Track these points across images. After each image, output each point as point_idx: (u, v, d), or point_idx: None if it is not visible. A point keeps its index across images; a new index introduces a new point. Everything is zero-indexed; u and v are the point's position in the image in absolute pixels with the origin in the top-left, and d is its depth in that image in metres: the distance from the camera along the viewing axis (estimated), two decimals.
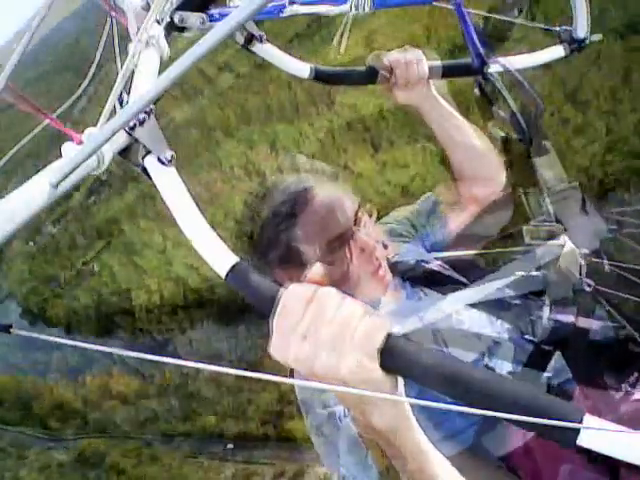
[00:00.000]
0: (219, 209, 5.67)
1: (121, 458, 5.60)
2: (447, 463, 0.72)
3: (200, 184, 6.04)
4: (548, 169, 1.19)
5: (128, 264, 6.43)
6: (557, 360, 1.16)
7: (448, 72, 1.33)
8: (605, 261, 1.11)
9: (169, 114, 7.57)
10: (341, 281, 1.16)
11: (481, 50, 1.24)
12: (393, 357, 0.60)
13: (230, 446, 5.09)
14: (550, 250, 1.13)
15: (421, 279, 1.32)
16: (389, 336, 0.60)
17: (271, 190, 1.23)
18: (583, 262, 1.10)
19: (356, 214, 1.20)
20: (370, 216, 1.25)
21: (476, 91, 1.28)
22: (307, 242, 1.16)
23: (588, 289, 1.11)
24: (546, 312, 1.14)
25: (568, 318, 1.12)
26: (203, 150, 6.66)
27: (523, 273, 1.11)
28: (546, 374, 1.14)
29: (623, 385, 1.09)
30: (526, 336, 1.19)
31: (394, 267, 1.28)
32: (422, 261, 1.35)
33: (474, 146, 1.42)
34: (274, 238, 1.18)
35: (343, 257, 1.16)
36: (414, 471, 0.67)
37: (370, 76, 1.35)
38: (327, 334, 0.59)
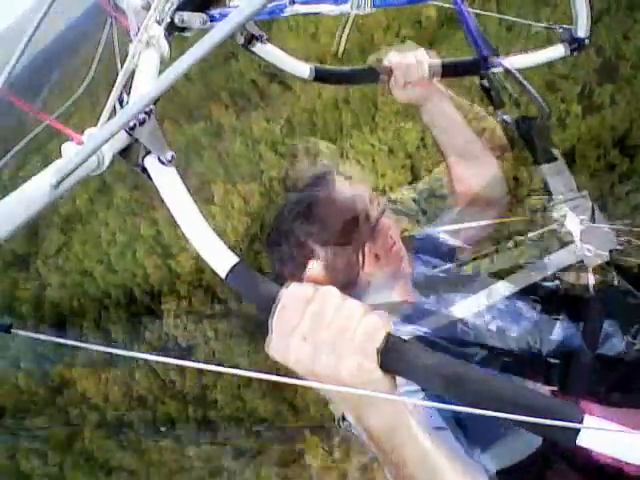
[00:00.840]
0: (256, 221, 5.70)
1: (88, 444, 5.67)
2: (452, 457, 0.71)
3: (239, 195, 6.08)
4: (557, 176, 1.17)
5: (163, 267, 6.46)
6: (562, 322, 1.18)
7: (448, 71, 1.33)
8: (615, 275, 1.10)
9: (217, 120, 7.65)
10: (356, 263, 1.14)
11: (483, 49, 1.23)
12: (392, 358, 0.60)
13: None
14: (552, 220, 1.14)
15: (431, 252, 1.35)
16: (389, 336, 0.60)
17: (287, 180, 1.24)
18: (583, 228, 1.10)
19: (370, 196, 1.20)
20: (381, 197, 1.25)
21: (481, 83, 1.27)
22: (325, 224, 1.14)
23: (588, 254, 1.11)
24: (547, 259, 1.15)
25: (570, 278, 1.12)
26: (246, 161, 6.72)
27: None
28: (554, 337, 1.15)
29: (625, 337, 1.10)
30: (532, 299, 1.20)
31: (405, 241, 1.28)
32: (431, 235, 1.39)
33: (474, 153, 1.41)
34: (290, 225, 1.16)
35: (359, 237, 1.14)
36: (413, 473, 0.67)
37: (370, 76, 1.35)
38: (327, 335, 0.59)
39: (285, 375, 0.61)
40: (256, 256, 4.88)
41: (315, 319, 0.60)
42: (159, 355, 0.59)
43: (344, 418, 1.04)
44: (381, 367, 0.60)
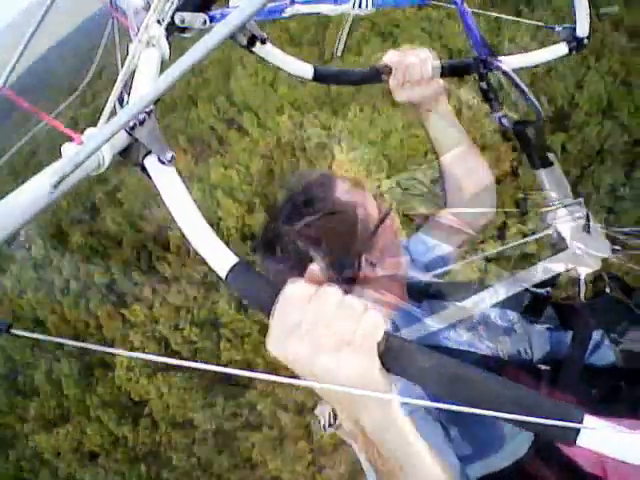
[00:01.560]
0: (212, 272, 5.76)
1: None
2: (439, 458, 0.71)
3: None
4: (552, 182, 1.16)
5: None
6: (552, 329, 1.20)
7: (447, 72, 1.32)
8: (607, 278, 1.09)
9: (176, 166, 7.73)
10: (351, 272, 1.11)
11: (482, 50, 1.23)
12: (392, 356, 0.60)
13: None
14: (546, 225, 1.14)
15: (421, 258, 1.39)
16: (388, 335, 0.60)
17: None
18: (577, 235, 1.09)
19: (372, 203, 1.19)
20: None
21: (480, 85, 1.26)
22: (325, 234, 1.09)
23: (579, 252, 1.10)
24: (540, 265, 1.14)
25: (560, 267, 1.12)
26: (203, 209, 6.76)
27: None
28: (543, 344, 1.16)
29: (615, 346, 1.11)
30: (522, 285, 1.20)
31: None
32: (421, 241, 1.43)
33: (469, 158, 1.41)
34: (288, 231, 1.13)
35: (357, 248, 1.12)
36: (404, 469, 0.66)
37: (371, 76, 1.35)
38: (327, 333, 0.60)
39: (285, 376, 0.61)
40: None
41: (315, 317, 0.60)
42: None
43: (330, 424, 1.03)
44: (381, 364, 0.60)
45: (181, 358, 5.59)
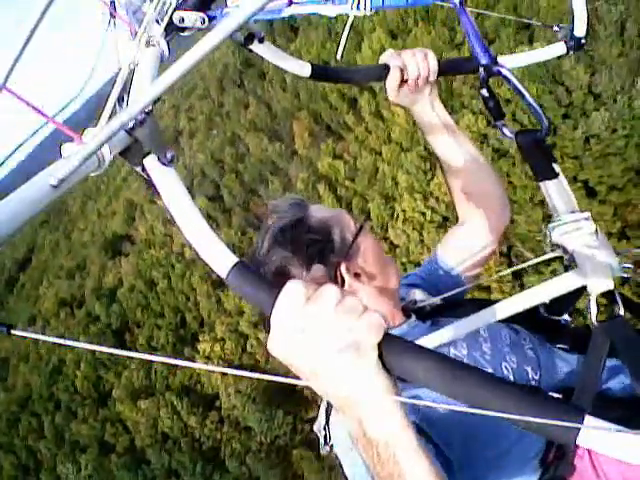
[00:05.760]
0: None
1: None
2: (437, 467, 0.70)
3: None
4: (557, 194, 1.08)
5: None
6: (563, 354, 1.15)
7: (445, 71, 1.31)
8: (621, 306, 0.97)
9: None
10: (334, 283, 1.10)
11: (484, 54, 1.22)
12: (393, 359, 0.60)
13: None
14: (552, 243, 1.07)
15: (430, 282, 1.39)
16: (388, 337, 0.60)
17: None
18: (586, 252, 1.00)
19: (346, 217, 1.23)
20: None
21: (481, 93, 1.25)
22: (298, 246, 1.12)
23: (591, 280, 1.02)
24: (548, 283, 1.03)
25: (569, 286, 1.03)
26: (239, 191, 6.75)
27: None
28: (553, 369, 1.12)
29: (629, 372, 1.05)
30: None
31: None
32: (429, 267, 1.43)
33: (467, 160, 1.39)
34: (265, 253, 1.15)
35: (334, 258, 1.13)
36: (402, 475, 0.65)
37: (369, 76, 1.34)
38: (327, 332, 0.60)
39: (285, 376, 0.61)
40: None
41: (315, 317, 0.60)
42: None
43: (325, 441, 1.02)
44: (382, 364, 0.60)
45: (255, 360, 5.60)
